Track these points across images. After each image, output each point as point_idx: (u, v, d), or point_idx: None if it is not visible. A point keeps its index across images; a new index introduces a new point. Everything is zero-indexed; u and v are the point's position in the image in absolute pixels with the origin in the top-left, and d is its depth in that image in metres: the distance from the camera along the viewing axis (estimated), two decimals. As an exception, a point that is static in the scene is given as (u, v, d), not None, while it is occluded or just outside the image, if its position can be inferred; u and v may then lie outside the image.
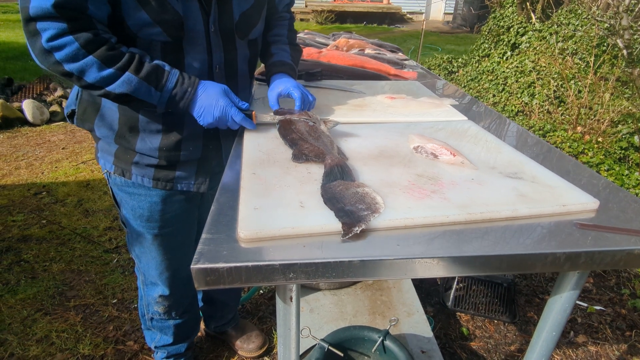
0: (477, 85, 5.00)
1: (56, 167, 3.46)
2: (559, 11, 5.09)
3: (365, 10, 13.03)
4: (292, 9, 1.41)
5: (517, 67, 4.65)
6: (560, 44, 4.48)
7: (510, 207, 0.79)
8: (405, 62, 2.28)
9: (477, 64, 5.64)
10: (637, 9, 3.48)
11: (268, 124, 1.16)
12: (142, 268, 1.39)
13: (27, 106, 4.30)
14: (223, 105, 1.04)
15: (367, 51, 2.32)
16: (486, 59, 5.68)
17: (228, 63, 1.16)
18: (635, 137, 3.09)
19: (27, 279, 2.19)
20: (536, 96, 4.03)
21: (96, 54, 0.91)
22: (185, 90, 1.01)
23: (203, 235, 0.69)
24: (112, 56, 0.92)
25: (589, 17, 4.30)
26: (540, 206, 0.80)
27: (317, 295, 1.92)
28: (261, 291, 2.18)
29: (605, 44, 3.99)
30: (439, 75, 5.39)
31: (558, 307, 0.87)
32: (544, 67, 4.35)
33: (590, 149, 3.18)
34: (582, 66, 4.06)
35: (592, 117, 3.41)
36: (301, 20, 12.83)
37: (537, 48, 4.75)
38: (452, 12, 13.20)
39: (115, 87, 0.95)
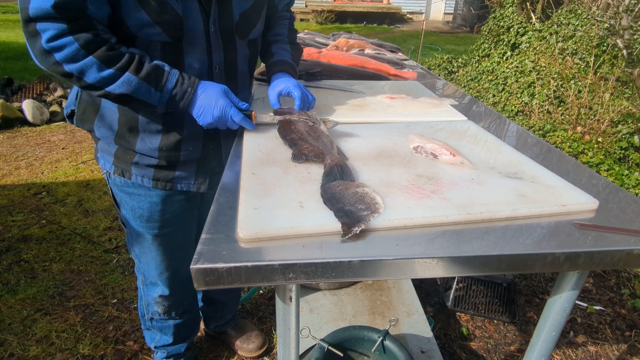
0: (477, 85, 5.00)
1: (56, 167, 3.46)
2: (559, 11, 5.10)
3: (365, 10, 13.03)
4: (292, 9, 1.41)
5: (517, 67, 4.65)
6: (560, 44, 4.48)
7: (509, 207, 0.79)
8: (405, 62, 2.28)
9: (477, 64, 5.64)
10: (637, 9, 3.48)
11: (268, 124, 1.16)
12: (142, 268, 1.39)
13: (27, 106, 4.30)
14: (222, 106, 1.04)
15: (367, 51, 2.32)
16: (486, 59, 5.68)
17: (228, 63, 1.16)
18: (635, 137, 3.09)
19: (27, 279, 2.19)
20: (536, 96, 4.03)
21: (96, 54, 0.91)
22: (185, 90, 1.01)
23: (202, 236, 0.69)
24: (112, 56, 0.92)
25: (589, 17, 4.30)
26: (540, 206, 0.80)
27: (317, 295, 1.92)
28: (261, 291, 2.18)
29: (605, 44, 3.99)
30: (439, 75, 5.39)
31: (557, 307, 0.87)
32: (544, 67, 4.35)
33: (590, 149, 3.18)
34: (582, 66, 4.06)
35: (592, 117, 3.41)
36: (301, 20, 12.83)
37: (537, 48, 4.75)
38: (452, 12, 13.20)
39: (115, 88, 0.95)
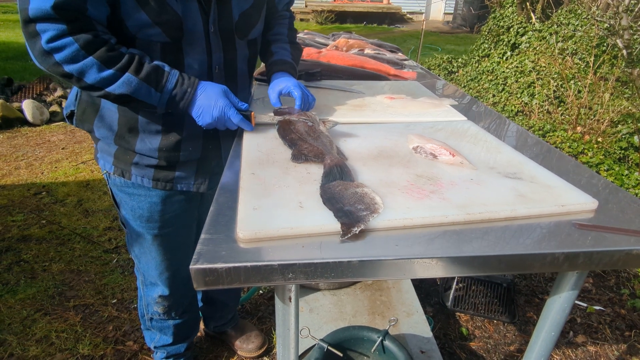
0: (477, 85, 5.00)
1: (56, 167, 3.46)
2: (559, 11, 5.10)
3: (365, 10, 13.03)
4: (292, 9, 1.41)
5: (517, 67, 4.65)
6: (560, 44, 4.48)
7: (509, 207, 0.79)
8: (405, 62, 2.28)
9: (477, 64, 5.64)
10: (636, 9, 3.48)
11: (267, 124, 1.16)
12: (141, 268, 1.39)
13: (27, 106, 4.30)
14: (222, 106, 1.04)
15: (366, 51, 2.32)
16: (486, 59, 5.69)
17: (228, 63, 1.16)
18: (635, 137, 3.09)
19: (26, 279, 2.19)
20: (536, 96, 4.04)
21: (96, 55, 0.90)
22: (185, 90, 1.01)
23: (202, 236, 0.69)
24: (112, 57, 0.92)
25: (589, 17, 4.30)
26: (539, 206, 0.80)
27: (317, 296, 1.92)
28: (261, 291, 2.18)
29: (605, 44, 3.99)
30: (439, 75, 5.39)
31: (557, 307, 0.87)
32: (544, 67, 4.35)
33: (590, 149, 3.18)
34: (582, 66, 4.06)
35: (592, 117, 3.41)
36: (301, 20, 12.83)
37: (537, 48, 4.75)
38: (452, 12, 13.20)
39: (115, 88, 0.95)
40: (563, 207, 0.81)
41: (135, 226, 1.27)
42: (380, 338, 1.31)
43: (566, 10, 5.00)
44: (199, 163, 1.23)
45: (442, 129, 1.23)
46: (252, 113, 1.12)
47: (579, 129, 3.43)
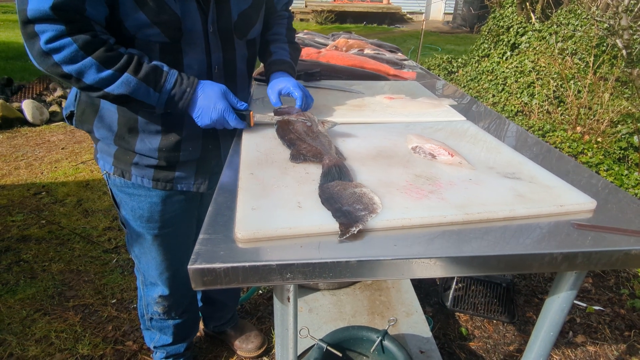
0: (476, 85, 5.00)
1: (56, 167, 3.46)
2: (559, 11, 5.10)
3: (365, 10, 13.03)
4: (292, 9, 1.41)
5: (517, 67, 4.65)
6: (559, 44, 4.48)
7: (507, 208, 0.79)
8: (405, 62, 2.28)
9: (476, 64, 5.64)
10: (636, 9, 3.48)
11: (266, 124, 1.17)
12: (141, 268, 1.39)
13: (27, 106, 4.30)
14: (221, 110, 1.04)
15: (366, 51, 2.32)
16: (486, 59, 5.69)
17: (227, 63, 1.16)
18: (635, 137, 3.09)
19: (26, 279, 2.19)
20: (536, 96, 4.04)
21: (95, 55, 0.90)
22: (184, 90, 1.01)
23: (200, 236, 0.69)
24: (111, 57, 0.92)
25: (589, 17, 4.30)
26: (538, 206, 0.80)
27: (316, 296, 1.92)
28: (260, 291, 2.18)
29: (604, 44, 3.99)
30: (439, 75, 5.39)
31: (556, 307, 0.87)
32: (544, 67, 4.35)
33: (590, 149, 3.18)
34: (582, 66, 4.06)
35: (592, 117, 3.41)
36: (301, 20, 12.83)
37: (537, 48, 4.75)
38: (452, 12, 13.20)
39: (114, 89, 0.95)
40: (562, 207, 0.81)
41: (135, 226, 1.27)
42: (380, 338, 1.31)
43: (566, 11, 5.00)
44: (199, 163, 1.23)
45: (442, 129, 1.23)
46: (251, 113, 1.13)
47: (578, 129, 3.43)
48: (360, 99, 1.51)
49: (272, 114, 1.18)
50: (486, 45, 5.92)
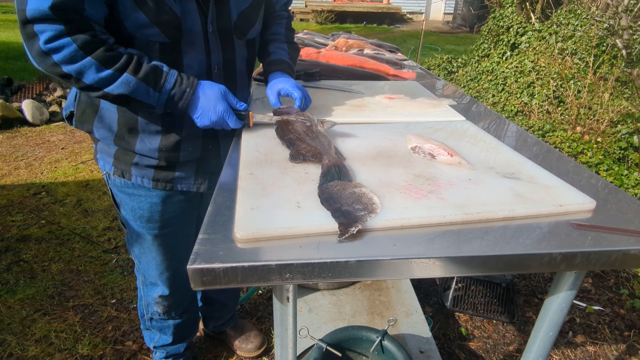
0: (476, 85, 5.00)
1: (55, 167, 3.46)
2: (559, 11, 5.10)
3: (365, 10, 13.03)
4: (292, 9, 1.42)
5: (517, 67, 4.65)
6: (559, 44, 4.48)
7: (507, 208, 0.79)
8: (404, 62, 2.28)
9: (476, 64, 5.64)
10: (636, 9, 3.48)
11: (265, 124, 1.17)
12: (142, 268, 1.39)
13: (27, 106, 4.30)
14: (221, 111, 1.05)
15: (366, 51, 2.32)
16: (486, 59, 5.69)
17: (226, 63, 1.16)
18: (635, 137, 3.09)
19: (26, 279, 2.19)
20: (535, 96, 4.04)
21: (94, 55, 0.90)
22: (184, 90, 1.01)
23: (200, 236, 0.69)
24: (111, 57, 0.92)
25: (589, 17, 4.30)
26: (537, 206, 0.80)
27: (316, 296, 1.92)
28: (260, 291, 2.18)
29: (604, 44, 3.99)
30: (439, 75, 5.39)
31: (555, 307, 0.87)
32: (544, 67, 4.35)
33: (590, 149, 3.18)
34: (582, 66, 4.06)
35: (592, 117, 3.41)
36: (301, 20, 12.83)
37: (537, 48, 4.75)
38: (452, 12, 13.20)
39: (114, 88, 0.95)
40: (561, 207, 0.81)
41: (136, 226, 1.27)
42: (379, 338, 1.31)
43: (566, 10, 5.00)
44: (199, 163, 1.24)
45: (441, 129, 1.23)
46: (250, 113, 1.13)
47: (578, 129, 3.43)
48: (360, 99, 1.51)
49: (272, 114, 1.18)
50: (486, 45, 5.92)
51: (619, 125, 3.26)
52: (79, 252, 2.41)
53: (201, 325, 1.88)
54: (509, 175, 0.93)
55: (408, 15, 13.95)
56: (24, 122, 4.30)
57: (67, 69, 0.90)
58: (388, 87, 1.72)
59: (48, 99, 4.58)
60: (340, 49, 2.33)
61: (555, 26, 4.83)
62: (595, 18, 3.78)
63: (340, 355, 1.31)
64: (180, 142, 1.16)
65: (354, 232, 0.69)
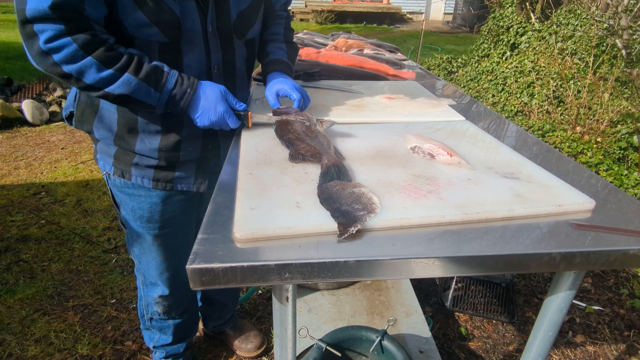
0: (476, 85, 5.00)
1: (55, 167, 3.46)
2: (558, 11, 5.10)
3: (365, 10, 13.03)
4: (292, 9, 1.42)
5: (517, 67, 4.65)
6: (559, 44, 4.48)
7: (506, 207, 0.79)
8: (404, 62, 2.28)
9: (476, 64, 5.64)
10: (635, 9, 3.48)
11: (265, 124, 1.17)
12: (142, 269, 1.39)
13: (27, 106, 4.30)
14: (221, 111, 1.05)
15: (365, 51, 2.32)
16: (486, 59, 5.69)
17: (226, 63, 1.16)
18: (635, 137, 3.09)
19: (25, 279, 2.19)
20: (535, 96, 4.04)
21: (95, 54, 0.90)
22: (185, 91, 1.01)
23: (199, 236, 0.69)
24: (111, 57, 0.92)
25: (588, 17, 4.30)
26: (537, 206, 0.80)
27: (316, 296, 1.92)
28: (260, 291, 2.18)
29: (604, 44, 3.99)
30: (439, 75, 5.39)
31: (554, 307, 0.87)
32: (544, 67, 4.35)
33: (590, 149, 3.18)
34: (582, 66, 4.06)
35: (592, 117, 3.41)
36: (301, 20, 12.83)
37: (537, 48, 4.75)
38: (452, 12, 13.20)
39: (115, 88, 0.95)
40: (560, 207, 0.81)
41: (136, 227, 1.27)
42: (379, 338, 1.31)
43: (566, 10, 5.00)
44: (199, 163, 1.24)
45: (441, 129, 1.23)
46: (250, 113, 1.13)
47: (578, 129, 3.43)
48: (360, 99, 1.51)
49: (271, 114, 1.18)
50: (486, 45, 5.92)
51: (619, 125, 3.26)
52: (79, 252, 2.41)
53: (201, 325, 1.88)
54: (508, 175, 0.93)
55: (408, 15, 13.95)
56: (23, 122, 4.30)
57: (67, 68, 0.90)
58: (388, 87, 1.72)
59: (48, 99, 4.58)
60: (340, 49, 2.33)
61: (555, 26, 4.83)
62: (595, 18, 3.78)
63: (339, 355, 1.31)
64: (180, 142, 1.16)
65: (353, 232, 0.69)
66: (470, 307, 2.05)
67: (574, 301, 2.16)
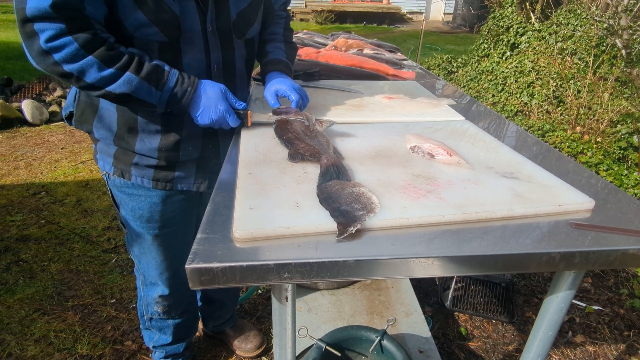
0: (476, 85, 5.00)
1: (55, 167, 3.46)
2: (558, 11, 5.10)
3: (365, 10, 13.03)
4: (292, 9, 1.42)
5: (517, 67, 4.65)
6: (559, 44, 4.48)
7: (506, 207, 0.79)
8: (404, 62, 2.28)
9: (476, 64, 5.64)
10: (635, 9, 3.48)
11: (264, 124, 1.17)
12: (142, 268, 1.39)
13: (27, 106, 4.30)
14: (222, 110, 1.05)
15: (365, 51, 2.32)
16: (485, 59, 5.69)
17: (226, 63, 1.16)
18: (634, 137, 3.09)
19: (25, 279, 2.19)
20: (535, 96, 4.04)
21: (96, 54, 0.90)
22: (186, 89, 1.01)
23: (198, 235, 0.69)
24: (112, 56, 0.92)
25: (588, 17, 4.30)
26: (536, 206, 0.80)
27: (315, 295, 1.92)
28: (259, 291, 2.18)
29: (604, 44, 3.99)
30: (439, 75, 5.39)
31: (554, 306, 0.87)
32: (543, 67, 4.35)
33: (589, 149, 3.18)
34: (581, 66, 4.06)
35: (591, 117, 3.41)
36: (301, 20, 12.83)
37: (537, 48, 4.75)
38: (452, 12, 13.20)
39: (116, 87, 0.95)
40: (560, 207, 0.81)
41: (135, 226, 1.27)
42: (379, 338, 1.31)
43: (565, 10, 5.00)
44: (199, 162, 1.24)
45: (441, 129, 1.23)
46: (249, 112, 1.13)
47: (578, 128, 3.43)
48: (359, 98, 1.51)
49: (270, 114, 1.18)
50: (486, 45, 5.92)
51: (619, 125, 3.26)
52: (79, 252, 2.41)
53: (200, 325, 1.88)
54: (508, 175, 0.93)
55: (408, 15, 13.95)
56: (23, 122, 4.30)
57: (68, 68, 0.90)
58: (387, 87, 1.72)
59: (48, 99, 4.58)
60: (339, 49, 2.33)
61: (555, 26, 4.83)
62: (595, 18, 3.78)
63: (339, 355, 1.31)
64: (180, 141, 1.16)
65: (353, 231, 0.69)
66: (470, 307, 2.05)
67: (574, 301, 2.16)
